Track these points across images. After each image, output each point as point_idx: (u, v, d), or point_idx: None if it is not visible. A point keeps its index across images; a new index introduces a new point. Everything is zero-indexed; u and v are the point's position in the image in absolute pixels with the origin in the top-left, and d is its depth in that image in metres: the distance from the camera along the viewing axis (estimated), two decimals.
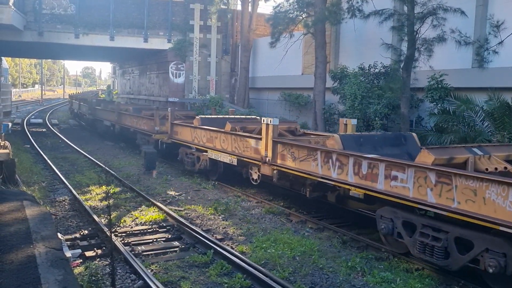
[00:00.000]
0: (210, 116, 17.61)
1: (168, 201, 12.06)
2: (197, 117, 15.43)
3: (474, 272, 7.24)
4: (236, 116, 17.55)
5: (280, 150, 10.77)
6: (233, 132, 12.86)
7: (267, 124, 11.12)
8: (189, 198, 12.45)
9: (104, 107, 27.31)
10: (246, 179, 12.81)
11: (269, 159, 11.02)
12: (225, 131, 13.17)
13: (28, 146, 21.71)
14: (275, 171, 10.86)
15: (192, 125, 15.09)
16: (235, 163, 12.57)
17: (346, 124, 12.03)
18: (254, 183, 12.23)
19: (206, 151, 13.99)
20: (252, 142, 11.87)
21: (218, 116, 17.11)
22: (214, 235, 9.26)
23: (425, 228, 7.51)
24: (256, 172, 12.01)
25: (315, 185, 10.19)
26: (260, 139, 11.42)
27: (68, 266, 5.70)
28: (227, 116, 16.98)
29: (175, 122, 16.54)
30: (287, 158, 10.54)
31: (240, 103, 26.18)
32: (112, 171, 15.46)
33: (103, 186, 12.98)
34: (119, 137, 23.72)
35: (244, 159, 12.18)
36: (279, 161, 10.83)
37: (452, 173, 6.94)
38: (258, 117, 16.33)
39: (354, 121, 12.16)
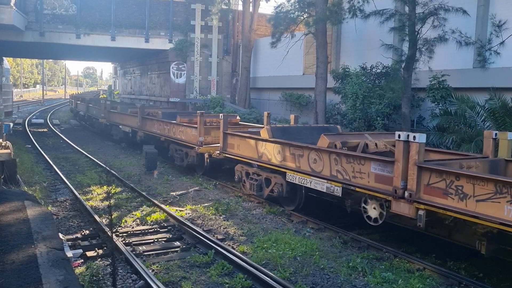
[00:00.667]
0: (282, 125, 13.71)
1: (169, 201, 12.07)
2: (267, 126, 11.97)
3: None
4: (323, 126, 13.50)
5: (433, 180, 7.37)
6: (337, 151, 9.29)
7: (408, 142, 7.69)
8: (190, 198, 12.45)
9: (122, 110, 23.55)
10: (352, 214, 9.77)
11: (410, 194, 7.61)
12: (319, 147, 9.74)
13: (29, 146, 21.74)
14: (421, 212, 7.51)
15: (259, 137, 11.69)
16: (339, 193, 9.22)
17: (495, 139, 8.86)
18: (372, 223, 8.85)
19: (283, 173, 10.76)
20: (373, 165, 8.41)
21: (291, 126, 13.16)
22: (215, 235, 9.26)
23: None
24: (376, 209, 8.71)
25: (494, 236, 7.12)
26: (392, 162, 7.99)
27: (69, 266, 5.71)
28: (310, 125, 13.24)
29: (230, 131, 13.15)
30: (447, 194, 7.14)
31: (241, 103, 26.20)
32: (113, 171, 15.46)
33: (104, 186, 12.99)
34: (142, 147, 20.03)
35: (358, 189, 8.77)
36: (427, 197, 7.46)
37: None
38: (338, 126, 13.05)
39: (510, 135, 8.82)
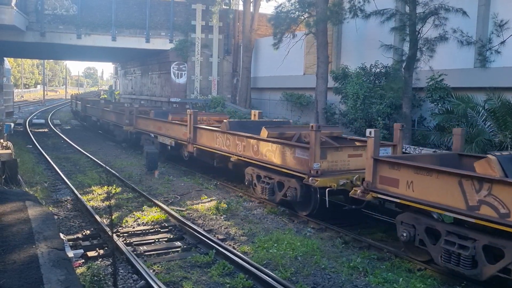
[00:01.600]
0: (509, 152, 7.71)
1: (170, 201, 12.07)
2: (491, 156, 6.89)
3: None
4: None
5: None
6: None
7: None
8: (191, 198, 12.45)
9: (157, 116, 18.71)
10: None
11: None
12: None
13: (30, 146, 21.75)
14: None
15: (473, 173, 6.82)
16: None
17: None
18: None
19: None
20: None
21: None
22: (216, 235, 9.26)
23: None
24: None
25: None
26: None
27: (70, 266, 5.71)
28: None
29: (388, 159, 8.25)
30: None
31: (242, 103, 26.22)
32: (114, 172, 15.46)
33: (105, 187, 12.98)
34: (195, 165, 16.39)
35: None
36: None
37: None
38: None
39: None
